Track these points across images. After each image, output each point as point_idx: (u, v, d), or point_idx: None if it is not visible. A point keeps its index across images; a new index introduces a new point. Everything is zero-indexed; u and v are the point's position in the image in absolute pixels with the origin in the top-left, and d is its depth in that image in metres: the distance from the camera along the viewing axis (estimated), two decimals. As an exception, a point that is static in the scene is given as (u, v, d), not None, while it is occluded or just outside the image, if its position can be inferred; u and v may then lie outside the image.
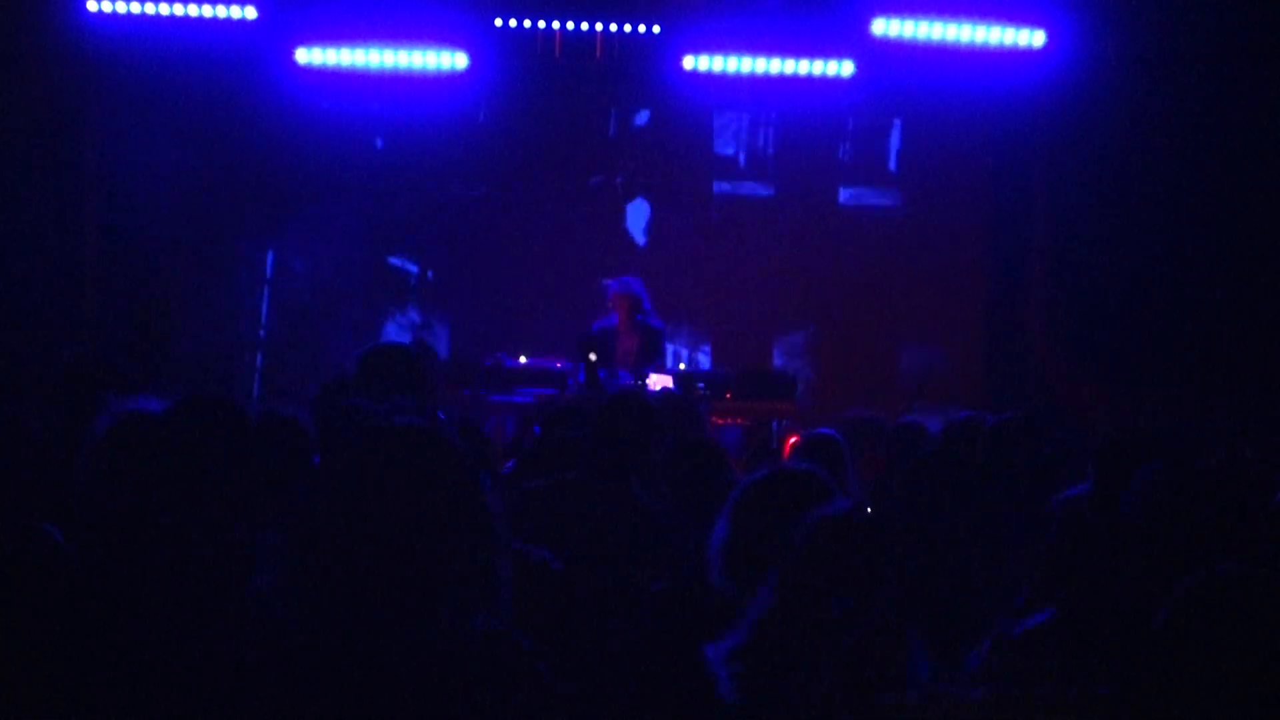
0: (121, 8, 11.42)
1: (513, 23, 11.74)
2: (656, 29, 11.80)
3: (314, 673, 2.51)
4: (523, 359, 11.93)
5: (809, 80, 11.90)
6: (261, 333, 13.37)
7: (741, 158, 13.48)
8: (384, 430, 2.61)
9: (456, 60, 11.69)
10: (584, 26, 11.81)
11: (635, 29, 11.81)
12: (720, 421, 11.14)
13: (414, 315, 13.43)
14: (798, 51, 11.76)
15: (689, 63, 11.76)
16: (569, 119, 13.17)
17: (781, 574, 3.40)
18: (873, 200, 13.46)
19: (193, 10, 11.45)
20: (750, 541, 3.75)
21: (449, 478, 2.56)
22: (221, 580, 3.57)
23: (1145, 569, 3.49)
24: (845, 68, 11.80)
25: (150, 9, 11.42)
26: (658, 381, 10.59)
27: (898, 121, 13.37)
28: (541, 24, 11.80)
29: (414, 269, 13.50)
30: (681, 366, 12.08)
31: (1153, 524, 3.84)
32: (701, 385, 11.06)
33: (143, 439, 4.15)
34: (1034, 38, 11.57)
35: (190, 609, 3.46)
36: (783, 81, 11.93)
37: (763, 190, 13.50)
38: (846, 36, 11.66)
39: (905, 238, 13.26)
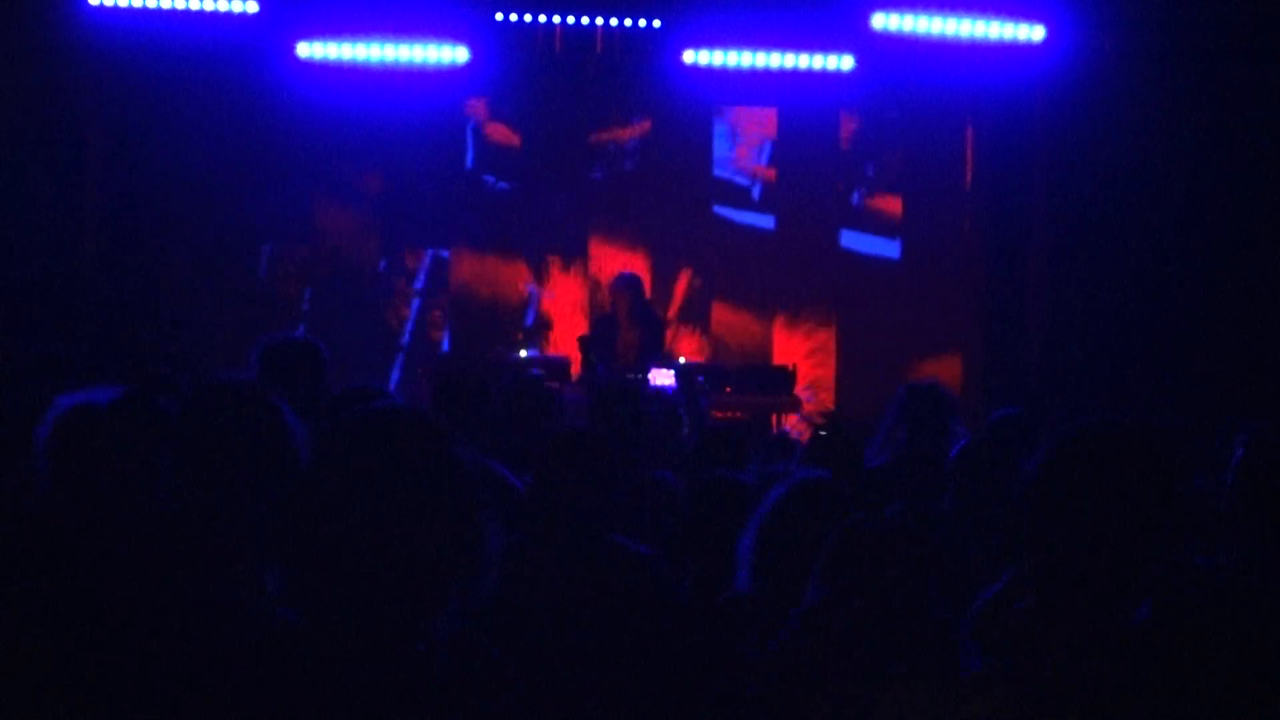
0: (123, 1, 11.42)
1: (513, 17, 11.75)
2: (657, 23, 11.81)
3: (311, 668, 2.48)
4: (523, 353, 11.96)
5: (809, 75, 11.93)
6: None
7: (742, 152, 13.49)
8: (372, 414, 2.58)
9: (457, 54, 11.70)
10: (584, 21, 11.82)
11: (635, 23, 11.81)
12: (720, 415, 11.16)
13: (415, 309, 13.45)
14: (798, 46, 11.78)
15: (689, 57, 11.77)
16: (569, 113, 13.19)
17: (823, 576, 3.47)
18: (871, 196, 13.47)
19: (194, 3, 11.45)
20: (777, 546, 3.98)
21: (435, 460, 2.53)
22: (207, 575, 3.56)
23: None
24: (845, 62, 11.83)
25: (152, 2, 11.43)
26: (658, 377, 10.61)
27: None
28: (542, 18, 11.81)
29: (418, 261, 13.51)
30: (682, 360, 12.09)
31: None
32: (701, 379, 11.08)
33: (89, 433, 4.14)
34: (1033, 32, 11.57)
35: (175, 605, 3.45)
36: (783, 76, 11.95)
37: (763, 186, 13.51)
38: (846, 31, 11.67)
39: (904, 233, 13.27)
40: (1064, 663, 2.69)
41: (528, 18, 11.79)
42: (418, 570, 2.49)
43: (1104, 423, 3.04)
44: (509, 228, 13.29)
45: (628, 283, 11.31)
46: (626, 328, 11.21)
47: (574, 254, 13.36)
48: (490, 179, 13.42)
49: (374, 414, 2.57)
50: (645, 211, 13.33)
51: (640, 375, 10.58)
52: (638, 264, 13.04)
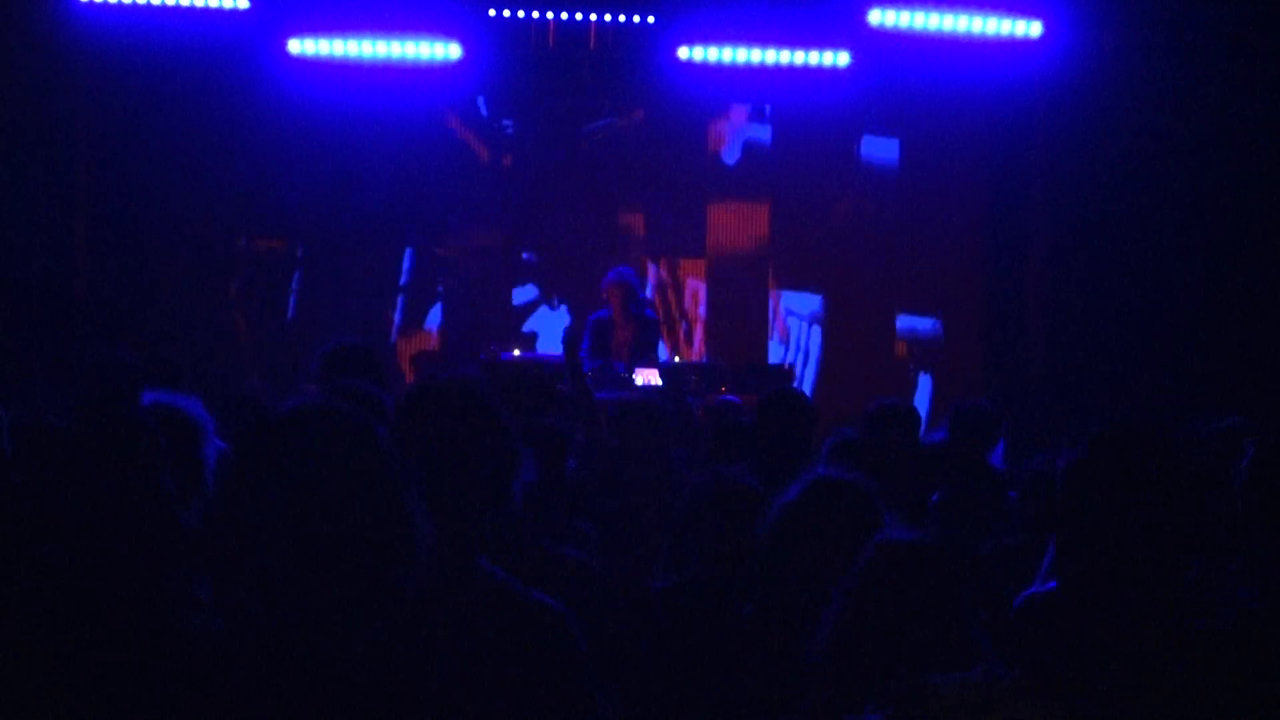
0: (113, -3, 11.38)
1: (506, 13, 11.68)
2: (651, 19, 11.73)
3: (245, 676, 2.45)
4: (516, 352, 11.87)
5: (805, 71, 11.84)
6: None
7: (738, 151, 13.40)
8: (289, 415, 2.53)
9: (450, 50, 11.63)
10: (578, 16, 11.74)
11: (630, 19, 11.73)
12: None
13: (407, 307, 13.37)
14: (793, 42, 11.70)
15: (684, 53, 11.69)
16: (562, 109, 13.11)
17: (846, 597, 3.35)
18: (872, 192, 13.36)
19: (184, 0, 11.39)
20: (795, 549, 3.83)
21: (351, 451, 2.48)
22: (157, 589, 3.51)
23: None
24: (841, 58, 11.74)
25: (142, -1, 11.38)
26: (644, 377, 10.49)
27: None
28: (535, 14, 11.73)
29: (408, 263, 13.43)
30: (676, 359, 12.01)
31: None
32: (693, 378, 10.97)
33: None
34: (1031, 28, 11.51)
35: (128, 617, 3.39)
36: (778, 72, 11.86)
37: (759, 182, 13.42)
38: (843, 27, 11.60)
39: (903, 230, 13.17)
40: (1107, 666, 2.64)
41: (521, 13, 11.71)
42: (346, 571, 2.43)
43: (1131, 424, 3.00)
44: (504, 223, 13.22)
45: (621, 279, 11.16)
46: (621, 324, 11.07)
47: (570, 247, 13.31)
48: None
49: (292, 415, 2.50)
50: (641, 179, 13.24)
51: (629, 374, 10.47)
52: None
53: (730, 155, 13.43)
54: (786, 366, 11.97)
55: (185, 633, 2.77)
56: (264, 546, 2.42)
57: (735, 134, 13.43)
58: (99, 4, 11.38)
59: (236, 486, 2.48)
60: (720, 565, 4.39)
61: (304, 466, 2.44)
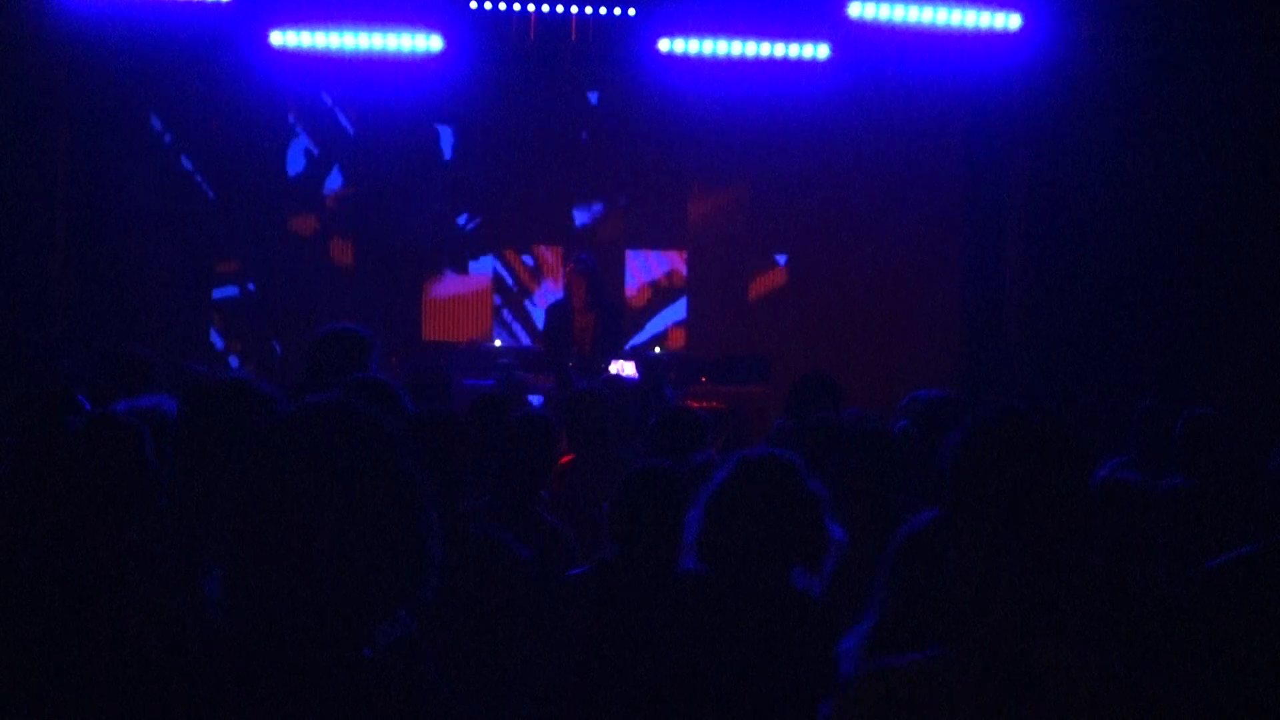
0: (93, -10, 11.36)
1: (488, 4, 11.68)
2: (631, 11, 11.74)
3: (252, 677, 2.37)
4: (497, 343, 11.90)
5: (785, 63, 11.85)
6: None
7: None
8: (310, 412, 2.42)
9: (431, 42, 11.64)
10: (559, 9, 11.74)
11: (610, 11, 11.74)
12: (694, 405, 11.07)
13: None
14: (774, 34, 11.71)
15: (664, 45, 11.70)
16: (544, 101, 13.12)
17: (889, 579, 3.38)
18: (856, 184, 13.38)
19: (164, -7, 11.40)
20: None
21: (362, 452, 2.38)
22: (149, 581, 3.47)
23: None
24: (821, 50, 11.75)
25: (122, -9, 11.37)
26: (618, 368, 10.48)
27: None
28: (516, 6, 11.73)
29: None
30: (657, 350, 12.03)
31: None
32: (671, 369, 10.99)
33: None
34: (1010, 20, 11.52)
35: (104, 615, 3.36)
36: (758, 64, 11.88)
37: (739, 177, 13.45)
38: (823, 19, 11.61)
39: (884, 224, 13.19)
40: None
41: (502, 5, 11.71)
42: (361, 575, 2.36)
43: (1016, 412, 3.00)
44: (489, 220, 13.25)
45: (584, 266, 11.06)
46: (581, 312, 10.95)
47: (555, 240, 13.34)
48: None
49: (312, 412, 2.43)
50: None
51: (600, 367, 10.48)
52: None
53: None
54: (763, 357, 11.99)
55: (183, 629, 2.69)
56: (275, 547, 2.34)
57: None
58: (81, -3, 11.39)
59: (250, 481, 2.40)
60: (638, 545, 4.53)
61: (315, 465, 2.36)
